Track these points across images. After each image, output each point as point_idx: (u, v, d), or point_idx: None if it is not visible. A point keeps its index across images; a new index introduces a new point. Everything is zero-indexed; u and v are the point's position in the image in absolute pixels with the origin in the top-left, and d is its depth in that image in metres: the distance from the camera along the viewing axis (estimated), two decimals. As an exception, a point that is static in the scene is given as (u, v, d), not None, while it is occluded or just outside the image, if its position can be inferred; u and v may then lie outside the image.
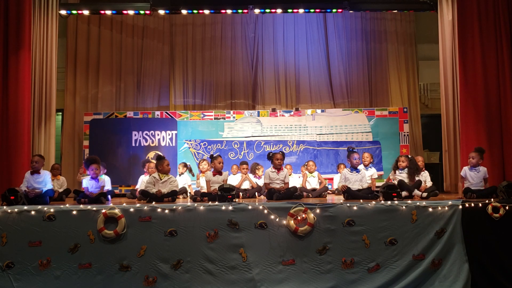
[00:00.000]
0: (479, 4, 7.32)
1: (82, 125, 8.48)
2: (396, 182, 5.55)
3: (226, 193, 4.83)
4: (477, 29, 7.28)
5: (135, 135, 8.45)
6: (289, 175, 7.15)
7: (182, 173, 7.18)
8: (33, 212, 4.57)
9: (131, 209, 4.60)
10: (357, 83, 9.30)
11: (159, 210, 4.61)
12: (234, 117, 8.53)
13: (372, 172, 6.57)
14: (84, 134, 8.36)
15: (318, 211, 4.60)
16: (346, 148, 6.61)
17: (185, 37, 9.36)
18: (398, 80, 9.27)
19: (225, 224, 4.58)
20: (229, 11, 8.21)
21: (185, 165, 7.23)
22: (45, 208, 4.58)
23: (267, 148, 8.36)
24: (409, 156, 6.14)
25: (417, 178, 5.81)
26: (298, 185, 6.57)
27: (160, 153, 7.19)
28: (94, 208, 4.61)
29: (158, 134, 8.45)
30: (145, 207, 4.63)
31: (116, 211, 4.55)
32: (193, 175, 7.28)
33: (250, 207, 4.64)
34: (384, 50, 9.36)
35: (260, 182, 6.69)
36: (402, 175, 5.81)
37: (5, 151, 6.78)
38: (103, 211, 4.55)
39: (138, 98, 9.15)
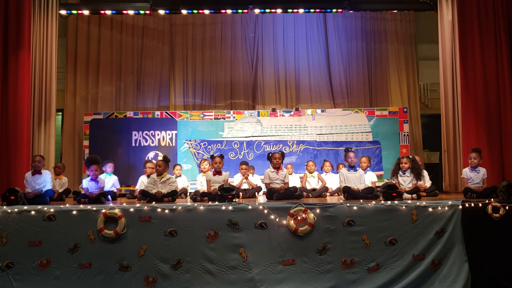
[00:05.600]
0: (479, 4, 7.33)
1: (82, 125, 8.47)
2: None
3: (226, 193, 4.83)
4: (477, 29, 7.29)
5: (135, 135, 8.44)
6: (290, 174, 7.17)
7: (179, 175, 7.17)
8: (33, 212, 4.57)
9: (131, 209, 4.60)
10: (357, 83, 9.29)
11: (159, 210, 4.61)
12: (234, 117, 8.53)
13: (371, 176, 6.55)
14: (84, 134, 8.36)
15: (318, 211, 4.60)
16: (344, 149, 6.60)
17: (185, 37, 9.35)
18: (398, 80, 9.27)
19: (225, 224, 4.58)
20: (229, 11, 8.20)
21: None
22: (45, 208, 4.58)
23: (267, 148, 8.36)
24: (411, 157, 6.15)
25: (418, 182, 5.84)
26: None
27: (162, 155, 7.18)
28: (94, 208, 4.61)
29: (158, 134, 8.45)
30: (145, 207, 4.63)
31: (116, 211, 4.55)
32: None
33: (250, 207, 4.64)
34: (384, 50, 9.36)
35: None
36: (405, 178, 5.82)
37: (5, 151, 6.78)
38: (103, 211, 4.55)
39: (138, 98, 9.15)
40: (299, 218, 4.56)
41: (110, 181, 6.75)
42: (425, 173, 6.23)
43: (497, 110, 7.16)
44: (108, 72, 9.10)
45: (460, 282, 4.45)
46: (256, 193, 6.45)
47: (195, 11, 8.18)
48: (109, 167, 6.92)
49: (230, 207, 4.63)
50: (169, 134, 8.46)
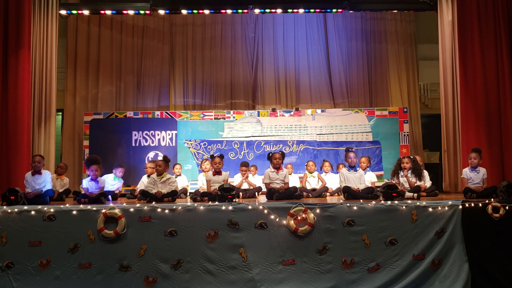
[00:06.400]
0: (479, 4, 7.33)
1: (82, 125, 8.47)
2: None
3: (226, 193, 4.83)
4: (477, 29, 7.29)
5: (135, 135, 8.44)
6: (289, 174, 7.16)
7: (179, 175, 7.17)
8: (33, 212, 4.57)
9: (131, 209, 4.60)
10: (357, 83, 9.29)
11: (159, 210, 4.61)
12: (234, 117, 8.53)
13: (371, 176, 6.55)
14: (84, 134, 8.36)
15: (318, 211, 4.61)
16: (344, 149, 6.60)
17: (185, 37, 9.35)
18: (398, 80, 9.27)
19: (225, 224, 4.58)
20: (229, 11, 8.20)
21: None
22: (45, 208, 4.58)
23: (267, 148, 8.36)
24: (411, 157, 6.15)
25: (419, 182, 5.85)
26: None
27: (162, 155, 7.18)
28: (94, 208, 4.61)
29: (158, 134, 8.45)
30: (145, 207, 4.63)
31: (116, 211, 4.55)
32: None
33: (250, 207, 4.64)
34: (384, 50, 9.36)
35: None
36: (406, 179, 5.82)
37: (5, 151, 6.77)
38: (103, 211, 4.55)
39: (138, 98, 9.15)
40: (299, 218, 4.56)
41: (116, 184, 6.80)
42: (425, 173, 6.23)
43: (497, 110, 7.16)
44: (108, 72, 9.10)
45: (460, 282, 4.45)
46: (256, 193, 6.44)
47: (195, 11, 8.17)
48: (119, 171, 6.96)
49: (230, 207, 4.63)
50: (169, 134, 8.46)
